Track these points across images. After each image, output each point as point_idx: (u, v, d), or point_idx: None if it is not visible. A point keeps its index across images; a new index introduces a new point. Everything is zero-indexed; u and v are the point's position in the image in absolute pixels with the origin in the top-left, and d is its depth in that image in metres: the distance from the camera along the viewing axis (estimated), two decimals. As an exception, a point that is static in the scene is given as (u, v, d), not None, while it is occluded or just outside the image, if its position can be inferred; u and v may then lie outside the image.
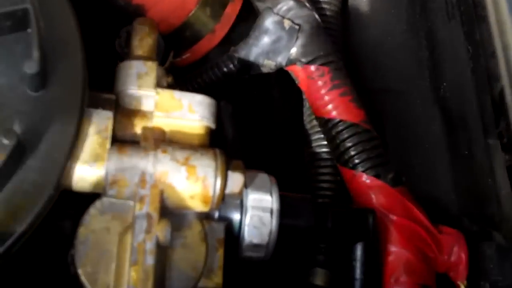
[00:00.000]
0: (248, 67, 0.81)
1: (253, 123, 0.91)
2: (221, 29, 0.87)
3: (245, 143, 0.83)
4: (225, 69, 0.82)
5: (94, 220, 0.58)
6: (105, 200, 0.59)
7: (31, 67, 0.54)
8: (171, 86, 0.66)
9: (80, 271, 0.57)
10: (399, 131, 0.87)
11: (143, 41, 0.68)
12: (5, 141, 0.51)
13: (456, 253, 0.73)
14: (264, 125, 0.91)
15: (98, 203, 0.59)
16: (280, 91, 0.93)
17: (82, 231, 0.58)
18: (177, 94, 0.64)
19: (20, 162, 0.53)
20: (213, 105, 0.65)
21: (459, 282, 0.73)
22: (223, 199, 0.60)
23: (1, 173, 0.51)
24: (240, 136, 0.85)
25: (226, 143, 0.79)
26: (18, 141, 0.52)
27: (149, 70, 0.64)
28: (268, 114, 0.92)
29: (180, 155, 0.59)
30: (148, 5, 0.78)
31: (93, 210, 0.59)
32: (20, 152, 0.53)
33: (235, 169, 0.61)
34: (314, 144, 0.82)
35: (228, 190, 0.60)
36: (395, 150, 0.85)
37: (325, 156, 0.81)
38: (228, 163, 0.61)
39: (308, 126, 0.84)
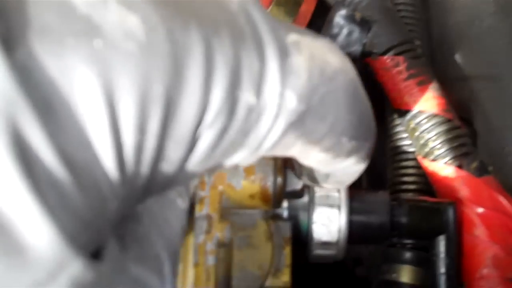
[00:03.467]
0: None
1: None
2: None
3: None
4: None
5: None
6: (169, 203, 0.60)
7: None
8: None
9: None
10: (490, 119, 0.82)
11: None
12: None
13: (548, 246, 0.67)
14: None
15: (163, 207, 0.61)
16: (364, 84, 0.90)
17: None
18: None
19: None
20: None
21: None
22: (286, 197, 0.60)
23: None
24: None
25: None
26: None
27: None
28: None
29: (237, 153, 0.60)
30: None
31: (159, 214, 0.60)
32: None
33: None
34: (395, 138, 0.79)
35: (289, 188, 0.60)
36: (485, 139, 0.81)
37: (407, 149, 0.78)
38: (288, 161, 0.60)
39: (389, 119, 0.82)
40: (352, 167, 0.41)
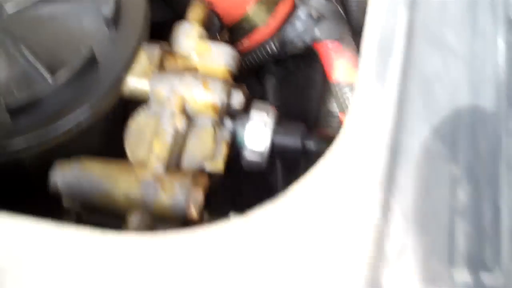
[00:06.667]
0: (285, 47, 1.09)
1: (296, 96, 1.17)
2: (274, 21, 1.13)
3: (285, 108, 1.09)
4: (268, 49, 1.09)
5: (140, 117, 0.87)
6: (149, 104, 0.87)
7: (107, 11, 0.86)
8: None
9: (127, 150, 0.85)
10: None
11: (193, 12, 0.97)
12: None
13: None
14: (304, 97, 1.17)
15: (145, 107, 0.87)
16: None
17: (131, 124, 0.86)
18: (210, 44, 0.93)
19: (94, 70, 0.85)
20: (235, 55, 0.92)
21: None
22: (229, 110, 0.87)
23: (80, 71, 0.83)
24: (281, 103, 1.11)
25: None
26: (93, 54, 0.83)
27: (193, 28, 0.94)
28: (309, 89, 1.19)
29: (201, 76, 0.87)
30: (212, 2, 1.06)
31: (141, 111, 0.87)
32: (94, 62, 0.85)
33: (238, 89, 0.87)
34: (327, 104, 1.07)
35: (231, 103, 0.86)
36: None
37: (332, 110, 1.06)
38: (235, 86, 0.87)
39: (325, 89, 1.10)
40: None
